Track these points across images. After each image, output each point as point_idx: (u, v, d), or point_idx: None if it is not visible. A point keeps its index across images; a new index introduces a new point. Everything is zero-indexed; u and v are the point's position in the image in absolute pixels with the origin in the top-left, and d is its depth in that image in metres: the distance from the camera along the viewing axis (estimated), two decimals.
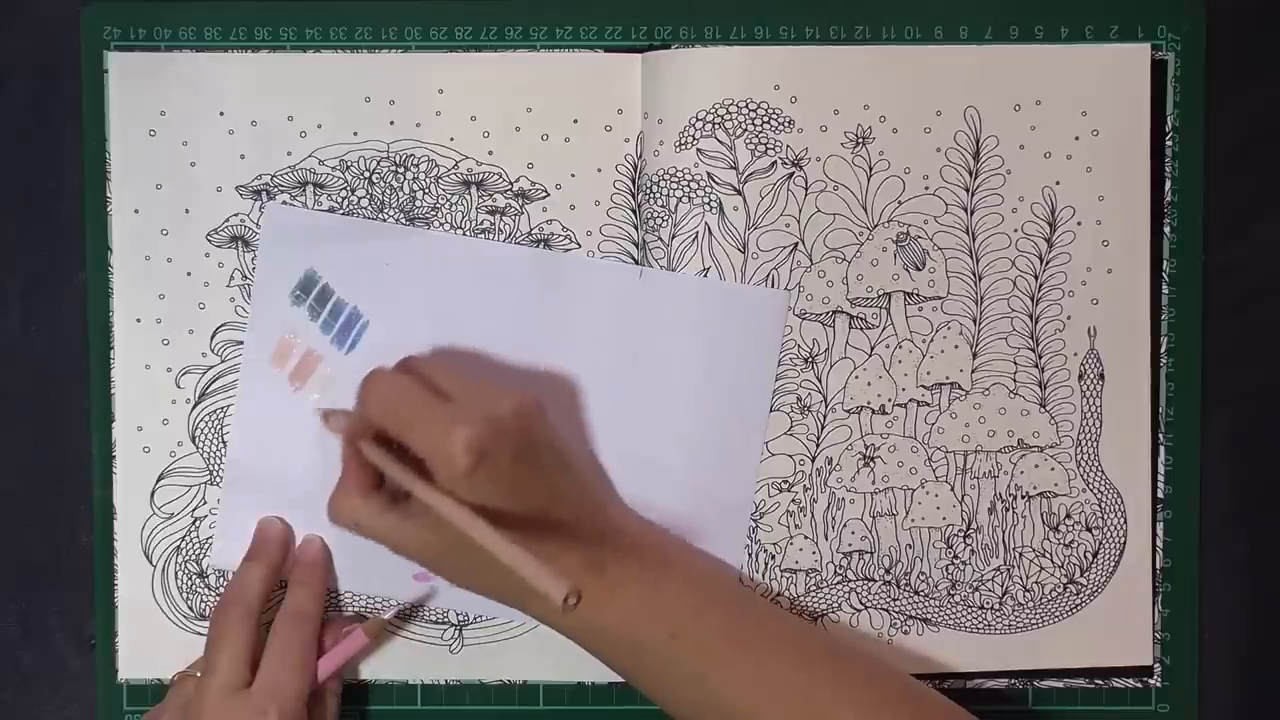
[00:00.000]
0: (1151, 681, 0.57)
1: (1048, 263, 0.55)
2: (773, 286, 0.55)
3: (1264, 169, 0.57)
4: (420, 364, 0.51)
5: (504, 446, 0.47)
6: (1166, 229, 0.56)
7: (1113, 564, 0.56)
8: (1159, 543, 0.56)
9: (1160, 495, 0.56)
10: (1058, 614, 0.56)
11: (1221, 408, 0.57)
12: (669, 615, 0.50)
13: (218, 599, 0.54)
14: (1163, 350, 0.56)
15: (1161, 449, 0.56)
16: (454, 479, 0.46)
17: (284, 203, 0.55)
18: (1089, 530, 0.56)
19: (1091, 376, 0.56)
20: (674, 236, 0.55)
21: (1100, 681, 0.57)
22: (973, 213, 0.55)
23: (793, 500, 0.56)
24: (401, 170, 0.55)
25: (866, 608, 0.56)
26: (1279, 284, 0.57)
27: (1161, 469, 0.56)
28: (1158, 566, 0.56)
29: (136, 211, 0.55)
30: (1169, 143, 0.56)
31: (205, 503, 0.56)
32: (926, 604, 0.56)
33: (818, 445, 0.56)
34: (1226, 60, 0.56)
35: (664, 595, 0.50)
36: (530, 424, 0.48)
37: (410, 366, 0.51)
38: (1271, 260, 0.57)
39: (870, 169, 0.55)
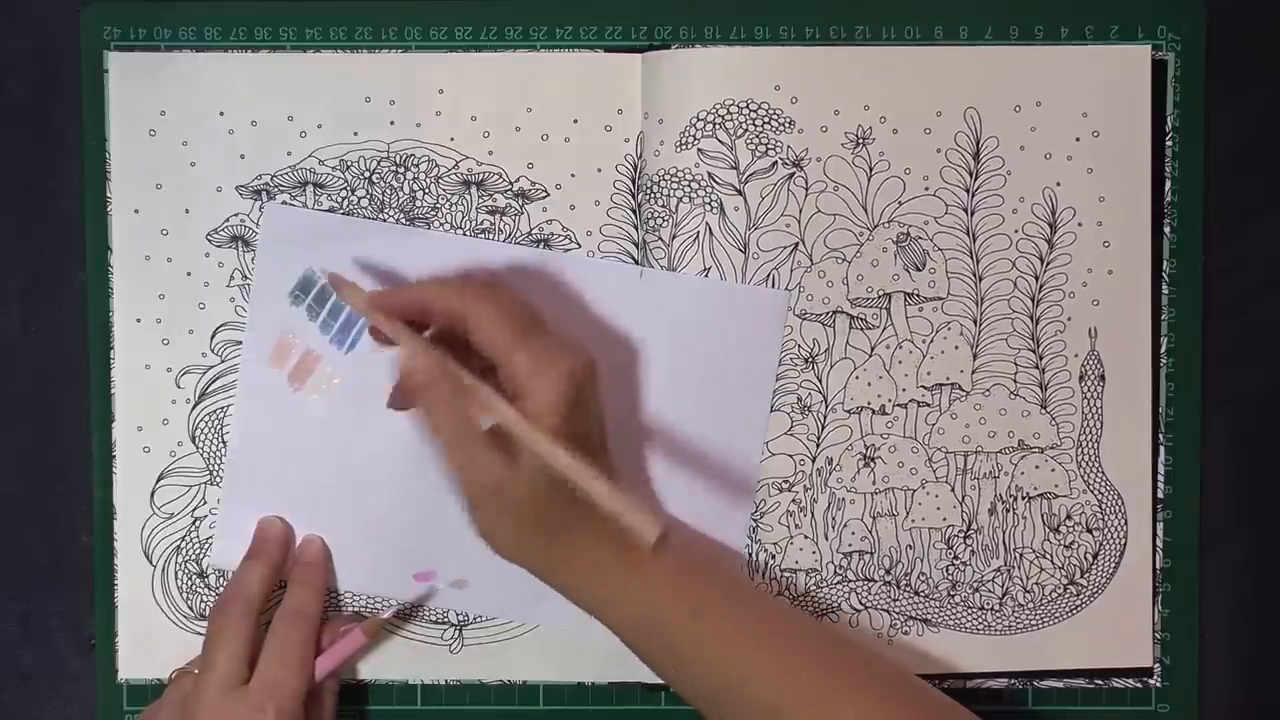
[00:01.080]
0: (1151, 682, 0.57)
1: (1048, 263, 0.55)
2: (773, 286, 0.55)
3: (1264, 169, 0.57)
4: (509, 289, 0.50)
5: (586, 390, 0.48)
6: (1167, 229, 0.56)
7: (1113, 565, 0.56)
8: (1159, 543, 0.56)
9: (1160, 495, 0.56)
10: (1058, 615, 0.56)
11: (1221, 408, 0.57)
12: (692, 594, 0.49)
13: (217, 597, 0.54)
14: (1163, 350, 0.56)
15: (1161, 449, 0.56)
16: (550, 408, 0.46)
17: (284, 203, 0.55)
18: (1089, 531, 0.56)
19: (1092, 377, 0.56)
20: (674, 236, 0.54)
21: (1100, 682, 0.57)
22: (973, 213, 0.55)
23: (793, 500, 0.56)
24: (401, 170, 0.55)
25: (867, 608, 0.56)
26: (1279, 284, 0.57)
27: (1161, 469, 0.56)
28: (1158, 567, 0.56)
29: (136, 211, 0.55)
30: (1169, 143, 0.56)
31: (205, 503, 0.56)
32: (927, 604, 0.56)
33: (818, 445, 0.56)
34: (1226, 60, 0.56)
35: (688, 576, 0.50)
36: (594, 378, 0.49)
37: (501, 282, 0.50)
38: (1271, 260, 0.57)
39: (870, 169, 0.55)
